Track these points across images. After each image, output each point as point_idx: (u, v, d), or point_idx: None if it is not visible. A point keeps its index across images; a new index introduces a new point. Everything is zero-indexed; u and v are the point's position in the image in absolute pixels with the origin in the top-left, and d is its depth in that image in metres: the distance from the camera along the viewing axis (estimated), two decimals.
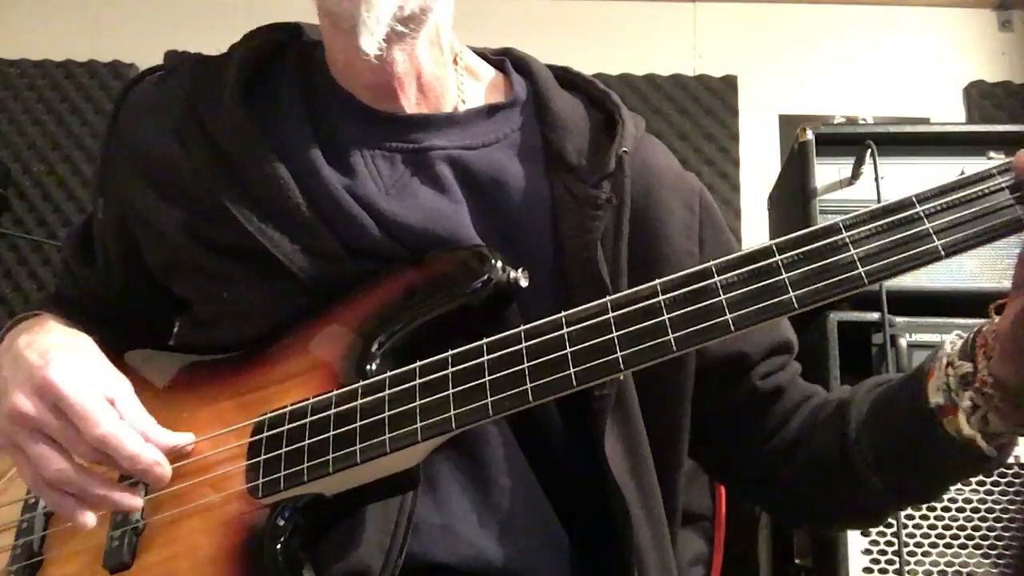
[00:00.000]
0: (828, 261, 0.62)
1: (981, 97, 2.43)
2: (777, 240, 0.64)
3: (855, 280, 0.61)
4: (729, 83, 2.50)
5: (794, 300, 0.62)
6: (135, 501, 0.75)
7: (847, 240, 0.62)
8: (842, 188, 1.66)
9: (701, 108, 2.48)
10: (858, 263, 0.61)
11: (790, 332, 0.95)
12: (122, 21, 2.67)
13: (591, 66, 2.51)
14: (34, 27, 2.67)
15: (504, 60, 0.98)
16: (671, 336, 0.64)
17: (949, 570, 1.40)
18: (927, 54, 2.51)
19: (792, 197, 1.75)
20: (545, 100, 0.92)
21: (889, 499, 0.84)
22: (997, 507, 1.41)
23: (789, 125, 2.38)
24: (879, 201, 1.57)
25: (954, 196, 0.61)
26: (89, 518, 0.74)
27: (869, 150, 1.59)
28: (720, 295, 0.64)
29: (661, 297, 0.65)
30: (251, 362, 0.82)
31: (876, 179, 1.59)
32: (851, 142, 1.65)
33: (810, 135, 1.68)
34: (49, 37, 2.64)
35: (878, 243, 0.61)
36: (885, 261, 0.61)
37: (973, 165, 1.62)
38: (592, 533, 0.84)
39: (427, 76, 0.89)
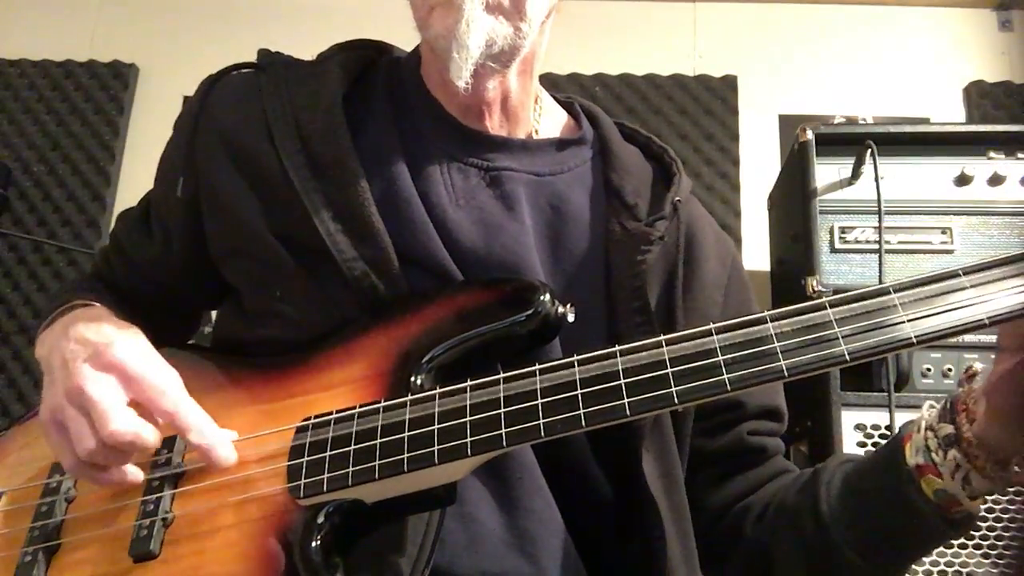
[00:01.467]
0: (880, 320, 0.65)
1: (981, 97, 2.43)
2: (831, 297, 0.67)
3: (905, 340, 0.64)
4: (729, 83, 2.50)
5: (846, 353, 0.64)
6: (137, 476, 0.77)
7: (897, 302, 0.65)
8: (842, 188, 1.67)
9: (701, 108, 2.48)
10: (908, 324, 0.64)
11: (784, 402, 0.98)
12: (122, 21, 2.67)
13: (591, 66, 2.51)
14: (34, 27, 2.67)
15: (573, 104, 1.05)
16: (726, 376, 0.66)
17: (949, 570, 1.41)
18: (927, 54, 2.51)
19: (792, 197, 1.75)
20: (609, 143, 0.99)
21: (859, 569, 0.79)
22: (997, 507, 1.42)
23: (789, 125, 2.38)
24: (879, 201, 1.57)
25: (997, 271, 0.64)
26: (135, 472, 0.77)
27: (869, 150, 1.59)
28: (775, 342, 0.66)
29: (715, 337, 0.68)
30: (294, 367, 0.83)
31: (876, 179, 1.59)
32: (851, 142, 1.66)
33: (810, 135, 1.68)
34: (49, 37, 2.64)
35: (927, 308, 0.64)
36: (933, 324, 0.64)
37: (973, 165, 1.63)
38: (616, 560, 0.85)
39: (513, 102, 0.95)
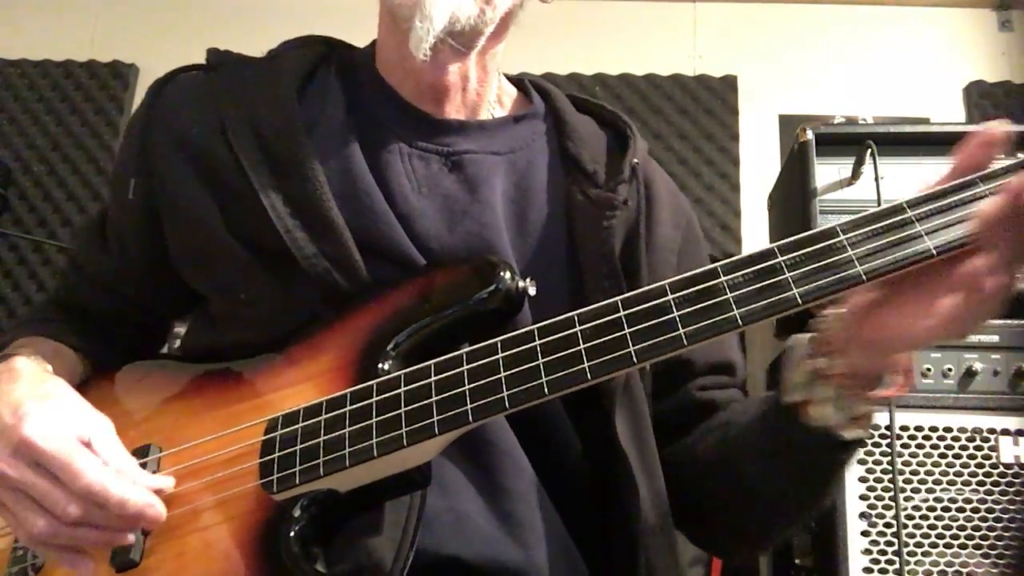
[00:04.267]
0: (829, 261, 0.65)
1: (981, 97, 2.43)
2: (778, 243, 0.67)
3: (855, 278, 0.64)
4: (729, 83, 2.50)
5: (798, 296, 0.64)
6: (129, 538, 0.74)
7: (845, 242, 0.65)
8: (842, 188, 1.66)
9: (701, 108, 2.48)
10: (856, 262, 0.64)
11: (737, 356, 1.00)
12: (122, 21, 2.67)
13: (591, 66, 2.51)
14: (34, 27, 2.67)
15: (523, 80, 1.06)
16: (682, 331, 0.66)
17: (949, 570, 1.40)
18: (927, 54, 2.51)
19: (792, 197, 1.75)
20: (562, 114, 0.99)
21: (771, 504, 0.85)
22: (997, 507, 1.42)
23: (789, 125, 2.38)
24: (879, 201, 1.57)
25: (942, 202, 0.64)
26: (87, 567, 0.73)
27: (869, 150, 1.59)
28: (727, 293, 0.66)
29: (670, 295, 0.68)
30: (263, 367, 0.83)
31: (876, 179, 1.59)
32: (851, 142, 1.66)
33: (810, 135, 1.68)
34: (49, 37, 2.64)
35: (874, 244, 0.64)
36: (882, 259, 0.64)
37: None
38: (600, 535, 0.86)
39: (471, 91, 0.95)
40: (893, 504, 1.41)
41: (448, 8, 0.83)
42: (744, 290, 0.66)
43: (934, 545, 1.41)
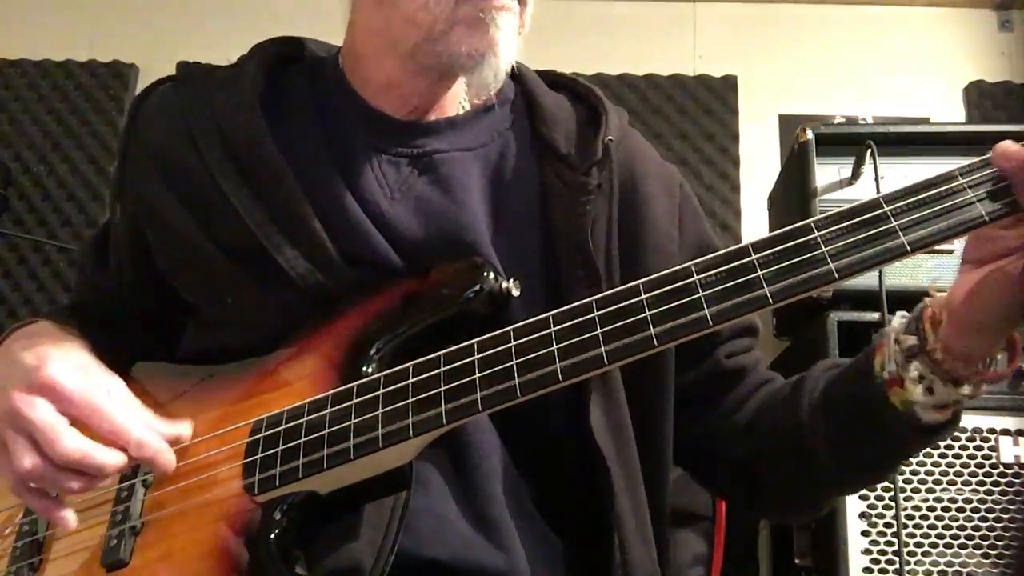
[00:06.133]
0: (801, 259, 0.64)
1: (981, 97, 2.43)
2: (753, 240, 0.67)
3: (826, 276, 0.63)
4: (729, 83, 2.50)
5: (769, 296, 0.64)
6: (108, 480, 0.76)
7: (819, 239, 0.64)
8: (842, 188, 1.67)
9: (701, 108, 2.48)
10: (829, 260, 0.63)
11: (755, 316, 0.98)
12: (122, 21, 2.67)
13: (591, 66, 2.51)
14: (34, 27, 2.67)
15: None
16: (652, 331, 0.66)
17: (949, 570, 1.41)
18: (927, 54, 2.51)
19: (792, 197, 1.75)
20: (534, 96, 0.97)
21: (839, 477, 0.85)
22: (997, 507, 1.42)
23: (789, 125, 2.38)
24: None
25: (919, 196, 0.64)
26: (68, 516, 0.76)
27: (869, 150, 1.60)
28: (699, 292, 0.66)
29: (643, 295, 0.68)
30: (251, 370, 0.84)
31: (876, 179, 1.59)
32: (851, 142, 1.66)
33: (810, 135, 1.68)
34: (49, 37, 2.64)
35: (848, 241, 0.64)
36: (854, 257, 0.63)
37: None
38: (581, 536, 0.86)
39: (447, 93, 0.94)
40: (893, 504, 1.42)
41: (512, 45, 0.86)
42: (715, 289, 0.65)
43: (934, 545, 1.41)
